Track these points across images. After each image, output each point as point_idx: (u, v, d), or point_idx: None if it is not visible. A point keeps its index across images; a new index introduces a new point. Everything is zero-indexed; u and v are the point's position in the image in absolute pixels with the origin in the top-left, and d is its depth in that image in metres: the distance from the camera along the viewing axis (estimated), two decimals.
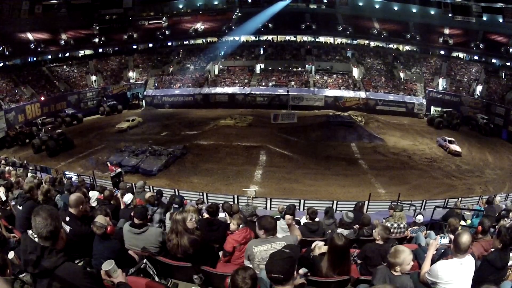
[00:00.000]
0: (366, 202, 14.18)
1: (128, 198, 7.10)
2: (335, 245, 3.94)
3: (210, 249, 4.93)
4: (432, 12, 38.90)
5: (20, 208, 5.46)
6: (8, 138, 27.45)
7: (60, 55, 39.07)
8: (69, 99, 34.87)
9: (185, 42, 44.19)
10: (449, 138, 26.58)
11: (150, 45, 42.89)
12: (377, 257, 4.96)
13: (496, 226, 5.97)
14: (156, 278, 3.97)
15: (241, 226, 4.91)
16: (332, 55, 41.25)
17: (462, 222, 8.22)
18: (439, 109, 34.43)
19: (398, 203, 8.69)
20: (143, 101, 38.47)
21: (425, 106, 35.27)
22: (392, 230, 7.04)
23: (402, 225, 7.69)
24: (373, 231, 5.43)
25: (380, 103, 35.69)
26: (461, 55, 38.61)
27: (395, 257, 3.37)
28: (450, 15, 36.63)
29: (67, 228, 4.13)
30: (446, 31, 38.77)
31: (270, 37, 43.29)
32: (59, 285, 2.45)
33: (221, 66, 41.21)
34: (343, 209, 12.12)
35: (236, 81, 38.71)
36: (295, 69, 39.81)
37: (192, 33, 42.96)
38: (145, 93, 38.57)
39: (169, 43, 43.69)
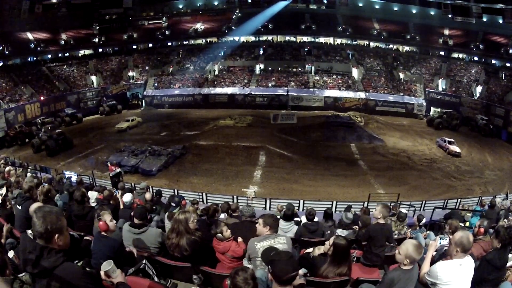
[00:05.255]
0: (366, 203, 14.19)
1: (127, 198, 7.08)
2: (338, 246, 3.97)
3: (210, 249, 4.92)
4: (432, 13, 38.87)
5: (20, 208, 5.45)
6: (8, 138, 27.40)
7: (60, 55, 39.06)
8: (68, 99, 34.87)
9: (185, 42, 44.13)
10: (449, 139, 26.57)
11: (150, 45, 42.91)
12: (381, 237, 5.00)
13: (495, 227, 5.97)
14: (156, 278, 3.96)
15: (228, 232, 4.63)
16: (331, 56, 41.26)
17: (462, 224, 8.23)
18: (439, 109, 34.43)
19: (401, 212, 8.71)
20: (143, 101, 38.43)
21: (425, 107, 35.28)
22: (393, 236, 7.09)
23: (403, 232, 7.75)
24: (374, 210, 5.45)
25: (380, 103, 35.71)
26: (461, 55, 38.60)
27: (402, 250, 3.39)
28: (450, 16, 36.58)
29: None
30: (446, 31, 38.80)
31: (270, 38, 43.28)
32: (58, 285, 2.45)
33: (220, 66, 41.20)
34: (343, 210, 12.11)
35: (236, 82, 38.69)
36: (294, 70, 39.78)
37: (192, 33, 42.94)
38: (144, 93, 38.54)
39: (169, 43, 43.65)
